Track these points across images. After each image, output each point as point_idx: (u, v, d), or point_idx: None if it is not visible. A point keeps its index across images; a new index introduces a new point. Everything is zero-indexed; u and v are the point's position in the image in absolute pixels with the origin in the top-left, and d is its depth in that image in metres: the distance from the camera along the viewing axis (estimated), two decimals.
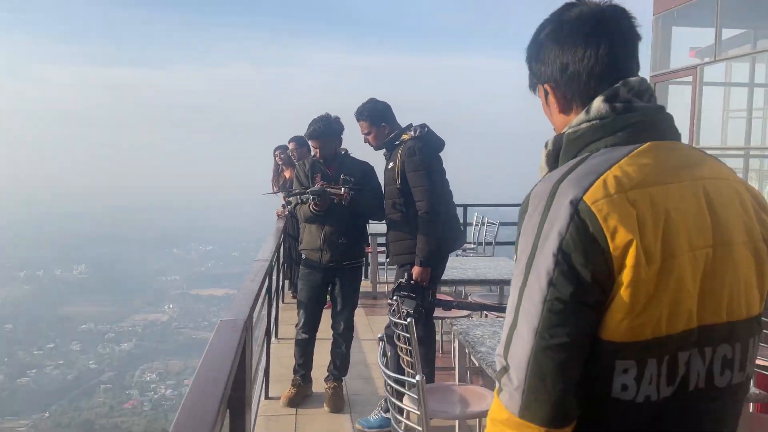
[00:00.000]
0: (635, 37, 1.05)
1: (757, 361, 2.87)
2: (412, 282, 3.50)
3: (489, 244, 6.93)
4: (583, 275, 0.88)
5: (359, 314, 6.25)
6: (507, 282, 4.17)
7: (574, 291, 0.88)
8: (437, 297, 3.94)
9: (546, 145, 1.07)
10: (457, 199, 3.93)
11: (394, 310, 2.96)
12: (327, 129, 3.75)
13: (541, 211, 0.93)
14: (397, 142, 3.59)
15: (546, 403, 0.90)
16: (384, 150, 3.68)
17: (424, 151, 3.47)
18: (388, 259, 4.19)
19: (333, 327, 3.95)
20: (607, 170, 0.93)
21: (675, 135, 1.02)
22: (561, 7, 1.08)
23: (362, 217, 3.93)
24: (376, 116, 3.62)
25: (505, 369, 0.94)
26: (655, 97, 1.03)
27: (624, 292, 0.88)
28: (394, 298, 3.12)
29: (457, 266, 4.69)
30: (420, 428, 1.96)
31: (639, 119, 0.98)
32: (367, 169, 3.86)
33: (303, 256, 3.96)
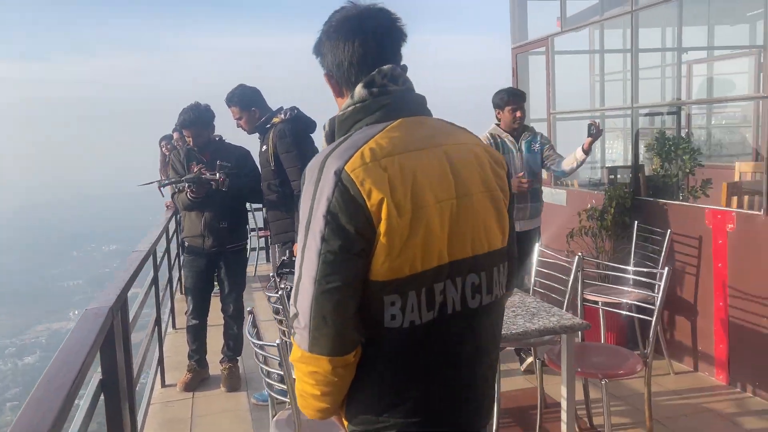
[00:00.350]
0: (394, 34, 1.25)
1: (587, 296, 3.28)
2: (294, 258, 3.66)
3: None
4: (349, 230, 1.09)
5: (260, 297, 6.35)
6: None
7: (342, 244, 1.09)
8: None
9: (324, 127, 1.28)
10: None
11: (271, 286, 3.11)
12: (197, 118, 3.80)
13: (314, 181, 1.13)
14: (268, 126, 3.71)
15: (328, 337, 1.11)
16: (258, 133, 3.79)
17: (294, 132, 3.62)
18: (270, 239, 4.32)
19: (223, 310, 4.05)
20: (364, 144, 1.14)
21: (424, 111, 1.26)
22: (335, 10, 1.28)
23: (241, 201, 4.03)
24: (246, 101, 3.71)
25: (296, 315, 1.15)
26: (409, 81, 1.26)
27: (383, 240, 1.10)
28: (272, 275, 3.27)
29: None
30: (284, 387, 2.14)
31: (391, 101, 1.21)
32: (242, 154, 3.95)
33: (186, 243, 4.01)
